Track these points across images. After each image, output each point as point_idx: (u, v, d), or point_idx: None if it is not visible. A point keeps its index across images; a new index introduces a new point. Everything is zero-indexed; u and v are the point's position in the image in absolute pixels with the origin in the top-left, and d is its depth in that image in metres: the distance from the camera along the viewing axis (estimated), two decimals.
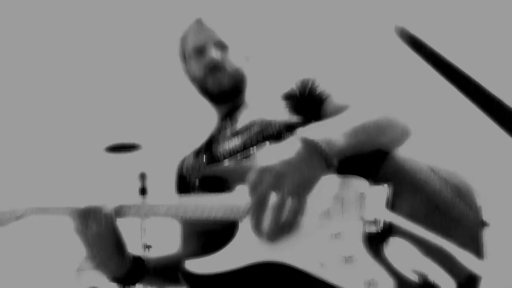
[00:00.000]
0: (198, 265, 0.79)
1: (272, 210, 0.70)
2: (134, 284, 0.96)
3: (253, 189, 0.70)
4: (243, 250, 0.78)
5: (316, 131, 0.73)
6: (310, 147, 0.71)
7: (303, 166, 0.70)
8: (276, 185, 0.69)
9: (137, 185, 2.87)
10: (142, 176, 2.88)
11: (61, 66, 2.79)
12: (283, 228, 0.72)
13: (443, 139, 2.30)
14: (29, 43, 2.60)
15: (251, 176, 0.71)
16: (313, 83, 1.03)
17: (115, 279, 0.94)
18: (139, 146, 3.33)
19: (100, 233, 0.89)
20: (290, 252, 0.73)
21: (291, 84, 1.07)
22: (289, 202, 0.70)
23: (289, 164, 0.69)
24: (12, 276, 3.40)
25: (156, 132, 3.28)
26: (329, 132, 0.74)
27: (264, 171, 0.70)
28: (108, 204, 0.92)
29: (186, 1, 2.11)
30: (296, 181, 0.69)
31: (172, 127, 3.21)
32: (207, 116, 1.21)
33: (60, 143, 3.32)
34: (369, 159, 0.77)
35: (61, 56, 2.72)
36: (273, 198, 0.70)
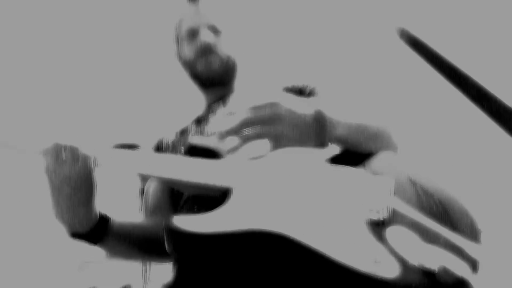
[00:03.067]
0: (187, 223, 0.70)
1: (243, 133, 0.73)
2: (94, 243, 0.87)
3: (250, 110, 0.73)
4: (238, 215, 0.72)
5: (328, 111, 0.77)
6: (319, 119, 0.75)
7: (301, 126, 0.74)
8: (268, 119, 0.72)
9: (138, 186, 2.87)
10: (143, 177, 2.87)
11: (61, 66, 2.79)
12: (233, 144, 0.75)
13: (442, 139, 2.30)
14: (29, 43, 2.59)
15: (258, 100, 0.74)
16: (312, 89, 1.05)
17: (75, 235, 0.85)
18: (139, 146, 3.33)
19: (73, 176, 0.77)
20: (292, 225, 0.70)
21: (291, 81, 1.08)
22: (262, 141, 0.73)
23: (291, 115, 0.73)
24: (13, 275, 3.40)
25: (155, 132, 3.28)
26: (337, 118, 0.78)
27: (270, 104, 0.73)
28: (90, 148, 0.80)
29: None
30: (285, 131, 0.73)
31: (172, 128, 3.20)
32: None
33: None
34: (354, 157, 0.81)
35: (60, 56, 2.72)
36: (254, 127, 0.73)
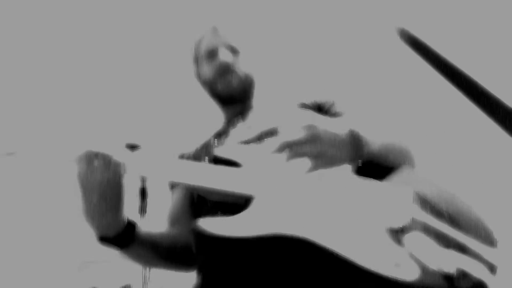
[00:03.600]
0: (212, 226, 0.74)
1: (290, 153, 0.76)
2: (120, 248, 0.89)
3: (289, 130, 0.77)
4: (263, 219, 0.75)
5: (360, 129, 0.81)
6: (353, 137, 0.79)
7: (339, 144, 0.77)
8: (308, 140, 0.75)
9: (138, 186, 2.86)
10: (143, 178, 2.87)
11: (61, 67, 2.79)
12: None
13: (442, 139, 2.30)
14: (30, 43, 2.60)
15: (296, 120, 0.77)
16: (331, 104, 1.08)
17: (103, 239, 0.88)
18: (139, 146, 3.32)
19: (104, 181, 0.82)
20: (315, 230, 0.72)
21: (309, 97, 1.12)
22: (307, 160, 0.76)
23: (331, 134, 0.77)
24: (13, 275, 3.40)
25: (156, 133, 3.29)
26: (369, 135, 0.82)
27: (308, 126, 0.76)
28: (121, 156, 0.84)
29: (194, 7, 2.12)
30: (326, 150, 0.76)
31: (172, 128, 3.21)
32: (206, 117, 1.23)
33: (60, 144, 3.32)
34: (380, 170, 0.85)
35: (61, 57, 2.72)
36: (297, 148, 0.76)
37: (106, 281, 3.79)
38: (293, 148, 0.76)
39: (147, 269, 3.40)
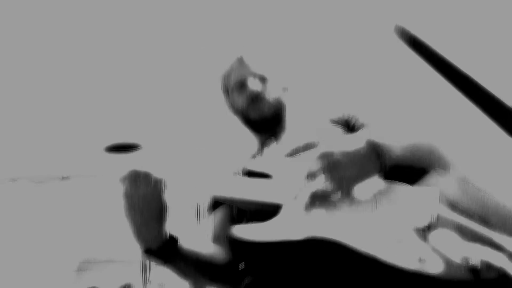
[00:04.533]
0: (246, 232, 0.80)
1: (317, 191, 0.81)
2: (165, 261, 0.96)
3: (309, 166, 0.81)
4: (291, 225, 0.80)
5: (379, 137, 0.84)
6: (373, 148, 0.82)
7: (360, 161, 0.81)
8: (329, 169, 0.80)
9: None
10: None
11: (62, 66, 2.80)
12: (322, 207, 0.82)
13: (442, 139, 2.30)
14: (30, 43, 2.60)
15: (313, 154, 0.82)
16: (356, 120, 1.13)
17: (148, 251, 0.95)
18: (139, 146, 3.33)
19: (147, 196, 0.92)
20: (341, 230, 0.76)
21: (336, 114, 1.18)
22: (334, 189, 0.81)
23: (347, 156, 0.81)
24: (12, 275, 3.41)
25: (156, 132, 3.29)
26: (389, 141, 0.85)
27: (324, 155, 0.81)
28: (160, 173, 0.95)
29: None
30: (348, 173, 0.80)
31: (173, 127, 3.21)
32: (206, 118, 1.24)
33: (60, 143, 3.32)
34: (410, 172, 0.87)
35: (62, 57, 2.73)
36: (322, 179, 0.81)
37: (106, 281, 3.80)
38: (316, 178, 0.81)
39: (147, 269, 3.41)
